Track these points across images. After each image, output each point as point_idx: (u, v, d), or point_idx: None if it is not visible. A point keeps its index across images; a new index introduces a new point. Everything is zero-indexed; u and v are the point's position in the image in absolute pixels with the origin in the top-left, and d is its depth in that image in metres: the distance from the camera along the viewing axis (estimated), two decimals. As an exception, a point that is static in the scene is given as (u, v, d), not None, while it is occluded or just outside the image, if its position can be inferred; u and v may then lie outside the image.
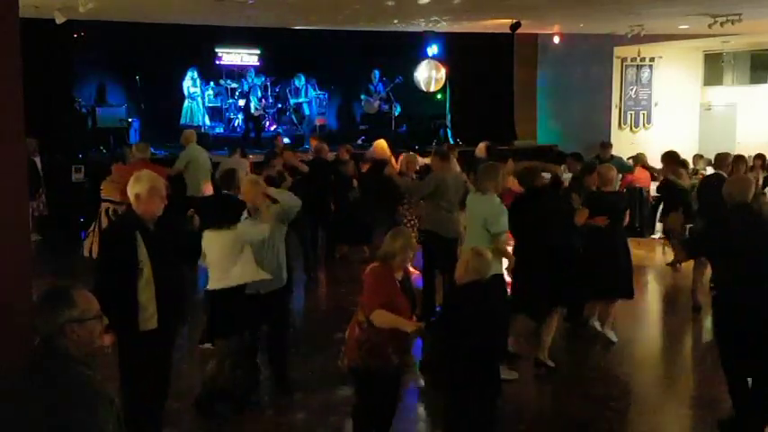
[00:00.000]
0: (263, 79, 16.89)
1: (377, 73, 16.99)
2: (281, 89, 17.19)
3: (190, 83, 16.10)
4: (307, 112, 17.16)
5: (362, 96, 17.14)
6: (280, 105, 17.13)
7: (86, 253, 8.85)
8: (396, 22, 14.13)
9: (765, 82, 17.31)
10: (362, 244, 10.91)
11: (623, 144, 16.08)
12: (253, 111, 16.44)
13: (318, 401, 6.11)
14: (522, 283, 6.83)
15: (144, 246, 4.66)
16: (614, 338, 7.63)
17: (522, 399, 6.29)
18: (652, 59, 17.95)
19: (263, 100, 16.75)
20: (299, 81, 17.06)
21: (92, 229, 9.12)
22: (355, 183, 10.85)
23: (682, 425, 6.02)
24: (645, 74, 18.10)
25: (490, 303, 4.74)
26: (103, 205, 9.05)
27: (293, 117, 17.18)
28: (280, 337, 6.31)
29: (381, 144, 11.05)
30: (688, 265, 8.99)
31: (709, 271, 7.27)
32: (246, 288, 5.81)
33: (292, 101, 17.16)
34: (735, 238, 5.35)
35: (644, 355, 7.62)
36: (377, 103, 17.02)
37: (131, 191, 4.76)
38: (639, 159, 12.79)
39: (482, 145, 11.44)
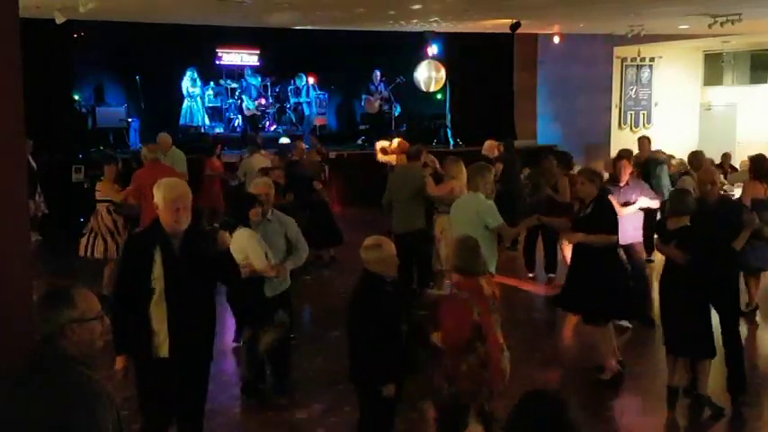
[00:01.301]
0: (260, 79, 16.89)
1: (377, 72, 16.99)
2: (282, 89, 17.19)
3: (189, 83, 16.09)
4: (306, 111, 17.16)
5: (363, 96, 17.13)
6: (279, 105, 17.13)
7: (82, 252, 8.78)
8: (391, 22, 14.14)
9: (765, 82, 17.33)
10: (328, 246, 10.80)
11: (623, 144, 16.06)
12: (245, 111, 16.43)
13: (318, 401, 6.11)
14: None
15: (161, 263, 4.21)
16: (628, 324, 7.80)
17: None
18: (652, 59, 17.96)
19: (263, 99, 16.74)
20: (301, 81, 17.07)
21: (88, 229, 9.04)
22: (318, 185, 10.57)
23: (682, 424, 6.01)
24: (645, 74, 18.11)
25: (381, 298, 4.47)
26: (100, 206, 8.91)
27: (293, 117, 17.18)
28: (283, 337, 6.29)
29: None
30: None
31: None
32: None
33: (293, 100, 17.17)
34: None
35: (644, 356, 7.61)
36: (377, 103, 17.00)
37: (155, 199, 4.35)
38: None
39: (490, 143, 11.07)
